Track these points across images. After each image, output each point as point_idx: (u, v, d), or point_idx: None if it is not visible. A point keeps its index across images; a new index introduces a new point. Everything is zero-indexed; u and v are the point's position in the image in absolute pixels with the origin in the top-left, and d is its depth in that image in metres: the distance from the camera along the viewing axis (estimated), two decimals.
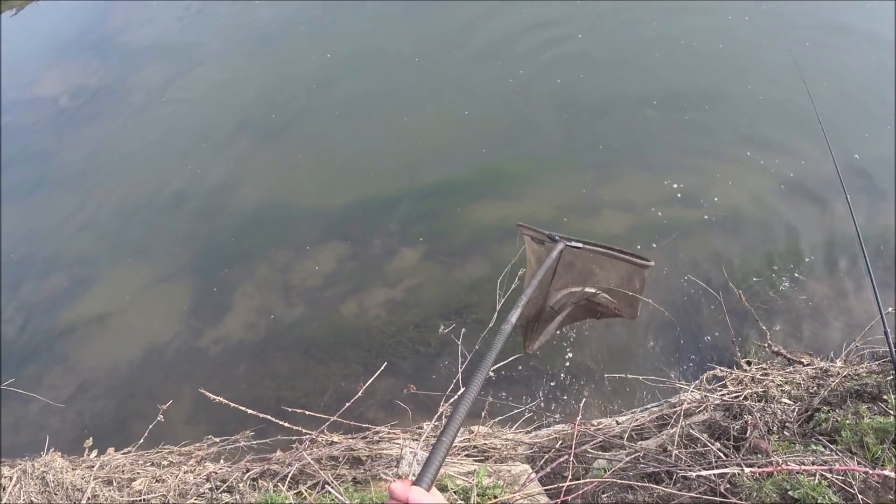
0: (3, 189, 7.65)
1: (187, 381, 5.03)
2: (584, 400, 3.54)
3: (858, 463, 2.13)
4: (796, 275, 4.55)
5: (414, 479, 1.19)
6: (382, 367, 3.38)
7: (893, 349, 2.15)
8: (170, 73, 8.72)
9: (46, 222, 6.93)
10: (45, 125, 8.52)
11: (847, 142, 5.35)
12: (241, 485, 2.90)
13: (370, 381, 3.18)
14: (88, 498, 3.08)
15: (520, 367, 4.34)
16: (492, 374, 3.21)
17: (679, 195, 5.26)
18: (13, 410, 5.23)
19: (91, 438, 3.74)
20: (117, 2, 11.41)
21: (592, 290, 3.40)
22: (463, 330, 3.91)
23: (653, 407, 3.62)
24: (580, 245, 3.14)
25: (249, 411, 3.21)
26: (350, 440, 3.19)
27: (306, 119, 7.20)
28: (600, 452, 2.88)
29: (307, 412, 3.23)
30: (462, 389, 1.40)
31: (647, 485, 2.41)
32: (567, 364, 4.38)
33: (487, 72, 7.06)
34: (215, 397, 3.28)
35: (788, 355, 3.56)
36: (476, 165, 5.93)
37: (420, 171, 6.11)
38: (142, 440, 3.55)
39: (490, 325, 3.72)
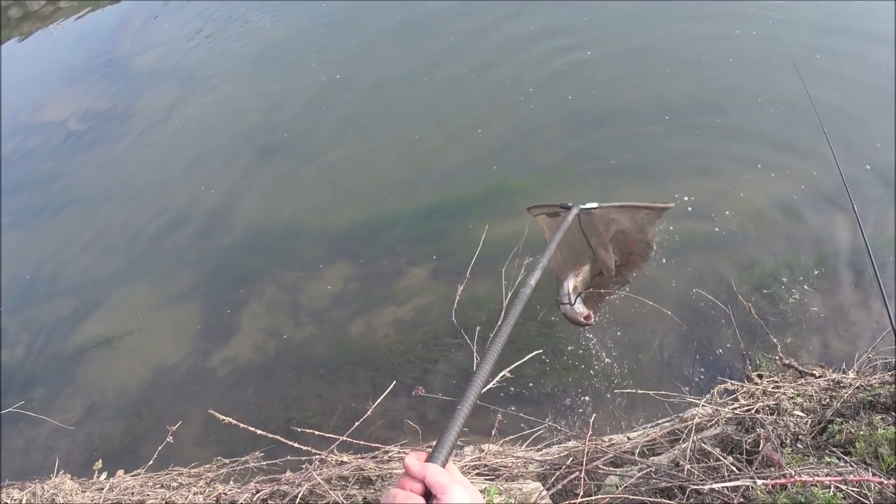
0: (13, 211, 7.74)
1: (196, 403, 5.03)
2: (594, 416, 3.50)
3: (873, 474, 2.11)
4: (805, 287, 4.53)
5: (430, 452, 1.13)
6: (391, 387, 3.37)
7: None
8: (178, 95, 8.84)
9: (55, 244, 6.98)
10: (54, 148, 8.63)
11: (859, 152, 5.38)
12: None
13: (379, 400, 3.17)
14: None
15: (530, 385, 4.32)
16: (509, 375, 3.18)
17: (690, 209, 5.25)
18: (23, 433, 5.25)
19: (100, 461, 3.74)
20: (126, 26, 11.63)
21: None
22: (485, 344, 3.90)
23: (664, 422, 3.59)
24: (595, 206, 3.25)
25: (259, 432, 3.20)
26: (360, 460, 3.18)
27: (315, 138, 7.25)
28: (612, 468, 2.86)
29: (317, 432, 3.22)
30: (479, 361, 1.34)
31: (659, 500, 2.38)
32: (577, 379, 4.35)
33: (498, 89, 7.12)
34: (225, 418, 3.27)
35: (800, 367, 3.53)
36: (486, 182, 5.95)
37: (430, 189, 6.14)
38: (151, 462, 3.54)
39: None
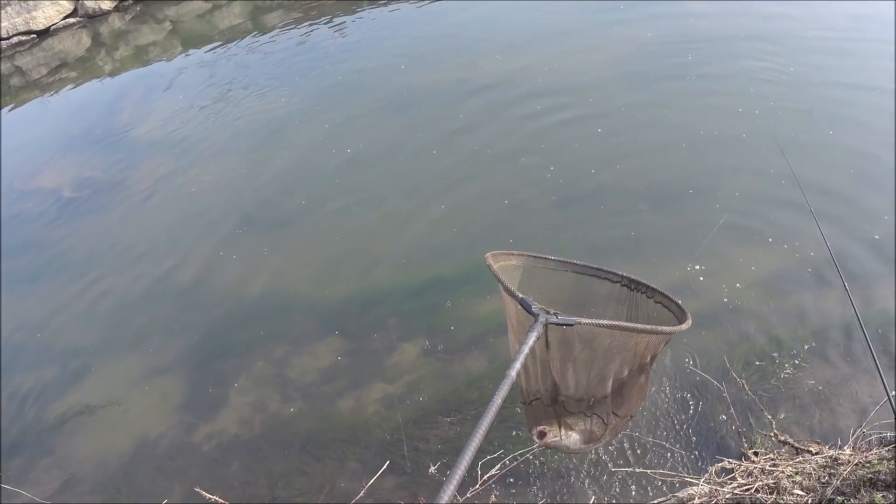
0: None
1: (179, 478, 4.87)
2: None
3: None
4: (797, 361, 4.54)
5: None
6: (385, 467, 3.30)
7: None
8: (176, 166, 9.02)
9: (41, 310, 6.91)
10: (46, 215, 8.70)
11: (869, 222, 5.54)
12: None
13: (372, 480, 3.11)
14: None
15: (521, 467, 4.23)
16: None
17: (696, 282, 5.30)
18: None
19: None
20: (126, 97, 11.96)
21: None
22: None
23: (660, 501, 3.53)
24: (572, 321, 2.18)
25: None
26: None
27: (311, 211, 7.36)
28: None
29: None
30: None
31: None
32: (570, 458, 4.28)
33: (512, 166, 7.31)
34: (210, 496, 3.18)
35: (796, 444, 3.52)
36: (480, 257, 5.98)
37: (422, 263, 6.18)
38: None
39: None
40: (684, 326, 2.34)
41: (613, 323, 2.21)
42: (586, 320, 2.16)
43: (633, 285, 2.71)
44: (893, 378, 4.15)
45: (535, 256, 2.79)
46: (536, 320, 2.14)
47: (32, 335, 6.61)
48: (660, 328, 2.31)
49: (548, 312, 2.17)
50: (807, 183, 4.90)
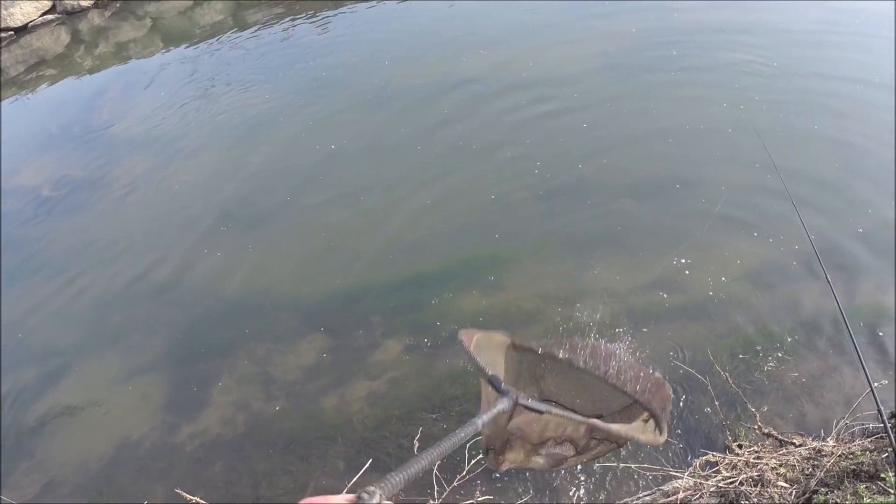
0: None
1: (161, 479, 4.80)
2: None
3: None
4: (780, 354, 4.55)
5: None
6: (367, 464, 3.27)
7: (889, 425, 2.12)
8: (155, 163, 8.89)
9: (21, 310, 6.79)
10: (26, 213, 8.54)
11: (854, 215, 5.57)
12: None
13: (356, 478, 3.07)
14: None
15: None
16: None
17: (687, 271, 5.29)
18: None
19: None
20: (106, 94, 11.78)
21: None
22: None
23: (644, 495, 3.52)
24: (542, 410, 2.04)
25: None
26: None
27: (292, 208, 7.28)
28: None
29: None
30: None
31: None
32: None
33: (497, 160, 7.28)
34: (192, 497, 3.13)
35: (779, 436, 3.51)
36: (463, 253, 5.98)
37: (405, 259, 6.14)
38: None
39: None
40: (661, 439, 2.16)
41: (587, 420, 2.09)
42: (557, 411, 2.05)
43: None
44: (892, 371, 4.18)
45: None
46: (503, 395, 2.03)
47: (11, 335, 6.49)
48: (636, 436, 2.17)
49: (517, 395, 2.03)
50: (792, 175, 4.90)
